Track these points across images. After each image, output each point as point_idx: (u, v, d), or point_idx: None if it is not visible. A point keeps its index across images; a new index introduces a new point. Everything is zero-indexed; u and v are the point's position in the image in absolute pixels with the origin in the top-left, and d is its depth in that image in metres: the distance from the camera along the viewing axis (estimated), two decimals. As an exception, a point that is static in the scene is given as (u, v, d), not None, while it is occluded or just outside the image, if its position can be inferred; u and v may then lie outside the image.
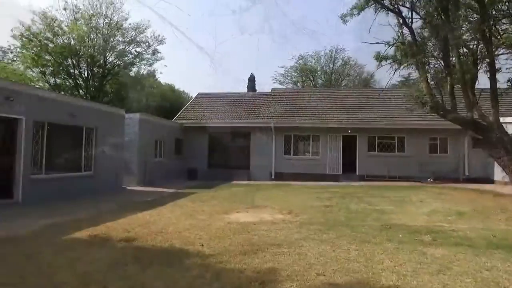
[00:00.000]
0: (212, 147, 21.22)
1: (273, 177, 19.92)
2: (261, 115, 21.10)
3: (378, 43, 10.29)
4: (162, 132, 18.10)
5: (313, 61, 44.06)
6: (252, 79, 45.32)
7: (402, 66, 10.99)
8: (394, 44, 10.49)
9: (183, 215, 8.41)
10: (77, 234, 6.31)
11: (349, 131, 19.68)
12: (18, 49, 28.77)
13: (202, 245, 5.57)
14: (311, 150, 20.43)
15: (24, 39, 26.74)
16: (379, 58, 11.53)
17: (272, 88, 26.36)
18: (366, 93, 24.33)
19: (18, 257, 5.01)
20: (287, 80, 45.38)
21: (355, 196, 11.96)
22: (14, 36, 26.83)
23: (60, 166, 11.34)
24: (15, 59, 34.80)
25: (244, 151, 20.81)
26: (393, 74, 11.11)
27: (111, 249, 5.33)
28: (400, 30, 10.32)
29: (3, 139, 9.68)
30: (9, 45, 27.95)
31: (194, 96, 27.43)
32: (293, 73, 45.18)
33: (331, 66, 44.58)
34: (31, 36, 26.64)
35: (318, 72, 45.08)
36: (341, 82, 45.08)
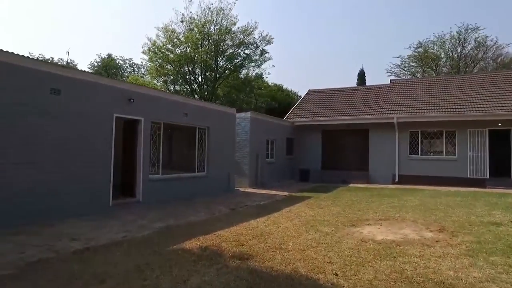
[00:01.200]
0: (326, 147, 19.57)
1: (396, 180, 17.22)
2: (380, 109, 18.54)
3: None
4: (273, 131, 17.34)
5: (435, 47, 38.20)
6: (361, 75, 42.00)
7: None
8: None
9: (302, 225, 7.12)
10: (187, 243, 5.60)
11: (499, 124, 15.60)
12: (147, 63, 32.44)
13: (336, 275, 4.14)
14: (444, 149, 16.96)
15: (150, 52, 29.80)
16: None
17: (391, 80, 23.30)
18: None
19: (128, 267, 4.45)
20: (404, 71, 40.50)
21: (528, 209, 8.87)
22: (144, 52, 30.21)
23: (175, 166, 11.42)
24: (145, 73, 39.66)
25: (362, 150, 18.58)
26: None
27: (222, 270, 4.34)
28: None
29: (127, 139, 10.01)
30: (141, 61, 31.62)
31: (302, 94, 26.30)
32: (411, 63, 40.08)
33: (459, 50, 37.90)
34: (156, 49, 29.51)
35: (443, 59, 38.87)
36: (473, 69, 37.92)
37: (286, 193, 13.20)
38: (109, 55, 42.56)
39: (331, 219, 7.79)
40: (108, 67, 41.28)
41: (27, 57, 6.98)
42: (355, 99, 20.89)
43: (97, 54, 55.99)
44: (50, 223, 6.98)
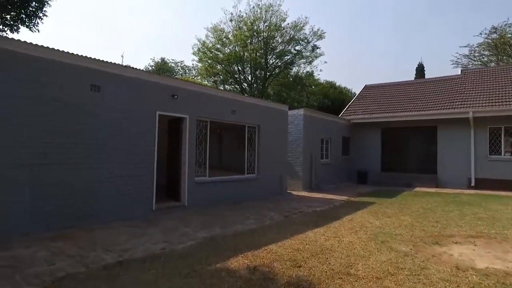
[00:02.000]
0: (386, 146, 17.75)
1: (472, 184, 14.93)
2: (451, 103, 16.28)
3: None
4: (328, 129, 15.98)
5: (515, 30, 33.46)
6: (420, 69, 38.71)
7: None
8: None
9: (370, 240, 5.88)
10: (233, 261, 4.68)
11: None
12: (197, 64, 32.65)
13: (437, 325, 2.93)
14: (537, 149, 14.33)
15: (200, 53, 29.84)
16: None
17: (461, 70, 20.64)
18: None
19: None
20: (473, 61, 36.34)
21: None
22: (194, 53, 30.35)
23: (223, 168, 10.67)
24: (196, 74, 40.18)
25: (429, 150, 16.50)
26: None
27: (276, 305, 3.34)
28: None
29: (171, 139, 9.46)
30: (192, 63, 31.81)
31: (356, 92, 24.49)
32: (482, 52, 35.80)
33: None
34: (206, 49, 29.46)
35: (525, 44, 33.99)
36: None
37: (344, 198, 11.87)
38: (162, 59, 43.84)
39: (404, 233, 6.43)
40: (161, 70, 42.50)
41: (67, 52, 6.60)
42: (420, 93, 18.74)
43: (150, 58, 58.36)
44: (91, 227, 6.54)
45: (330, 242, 5.76)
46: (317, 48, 29.78)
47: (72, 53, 6.67)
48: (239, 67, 29.50)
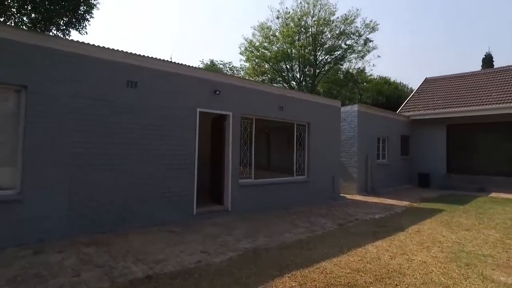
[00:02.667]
0: (452, 145, 15.75)
1: None
2: (535, 94, 13.94)
3: None
4: (385, 127, 14.49)
5: None
6: (488, 60, 34.62)
7: None
8: None
9: (450, 260, 4.70)
10: (278, 283, 3.85)
11: None
12: (245, 65, 32.35)
13: None
14: None
15: (247, 52, 29.45)
16: None
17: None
18: None
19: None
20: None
21: None
22: (241, 52, 30.05)
23: (270, 169, 9.89)
24: (244, 74, 40.00)
25: (507, 149, 14.29)
26: None
27: None
28: None
29: (215, 138, 8.89)
30: (240, 64, 31.58)
31: (413, 87, 22.31)
32: None
33: None
34: (253, 48, 29.00)
35: None
36: None
37: (405, 203, 10.49)
38: (211, 61, 44.28)
39: (496, 254, 5.13)
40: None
41: (102, 47, 6.26)
42: (493, 83, 16.36)
43: (200, 61, 59.47)
44: (127, 232, 6.12)
45: (397, 261, 4.70)
46: (370, 41, 27.88)
47: (108, 48, 6.31)
48: (287, 65, 28.61)
